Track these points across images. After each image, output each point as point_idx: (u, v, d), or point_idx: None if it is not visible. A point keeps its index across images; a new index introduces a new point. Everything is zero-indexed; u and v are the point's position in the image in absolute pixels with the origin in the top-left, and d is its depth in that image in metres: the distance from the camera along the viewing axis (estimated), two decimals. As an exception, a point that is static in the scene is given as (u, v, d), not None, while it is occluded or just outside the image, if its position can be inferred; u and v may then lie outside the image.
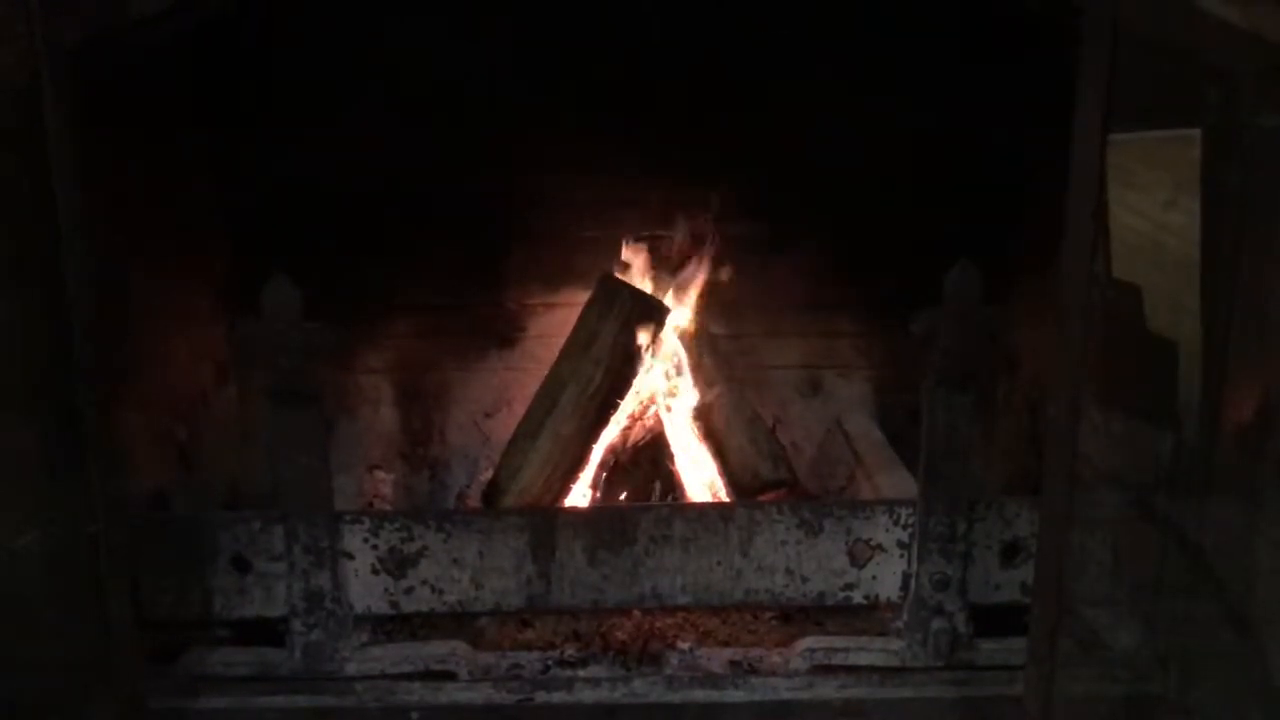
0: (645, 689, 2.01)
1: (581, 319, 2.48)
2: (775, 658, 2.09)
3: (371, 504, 2.51)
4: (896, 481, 2.37)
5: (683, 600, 2.05)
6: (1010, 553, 2.02)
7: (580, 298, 2.55)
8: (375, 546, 1.99)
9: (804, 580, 2.04)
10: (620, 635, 2.14)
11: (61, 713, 1.78)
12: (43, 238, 1.62)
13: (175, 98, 2.43)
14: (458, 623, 2.14)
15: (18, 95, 1.60)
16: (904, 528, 2.01)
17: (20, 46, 1.58)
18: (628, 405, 2.48)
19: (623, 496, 2.47)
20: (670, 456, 2.48)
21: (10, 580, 1.67)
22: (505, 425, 2.62)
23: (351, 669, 2.01)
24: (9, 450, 1.68)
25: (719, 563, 2.02)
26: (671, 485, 2.46)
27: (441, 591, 2.01)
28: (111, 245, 1.74)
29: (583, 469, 2.41)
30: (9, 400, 1.68)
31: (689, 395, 2.50)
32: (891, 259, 2.60)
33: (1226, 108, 1.72)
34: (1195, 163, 1.76)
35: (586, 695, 2.00)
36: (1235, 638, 1.73)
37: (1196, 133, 1.76)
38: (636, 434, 2.49)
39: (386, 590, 2.01)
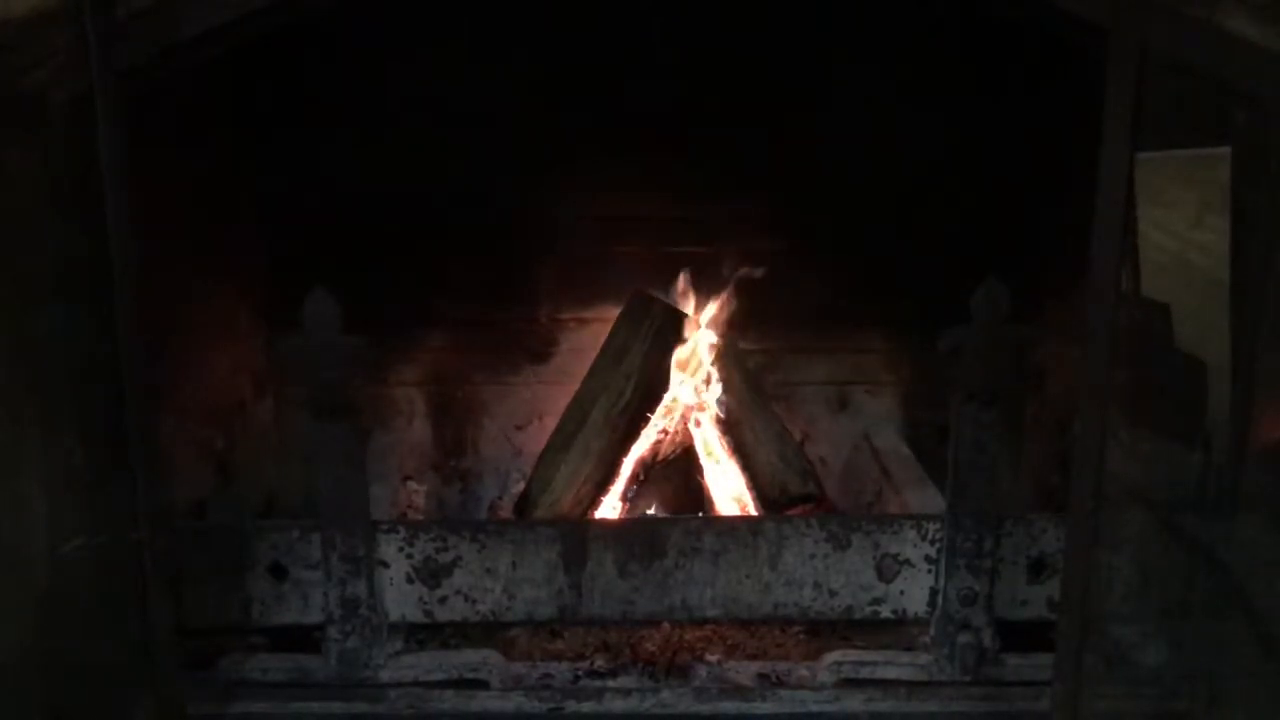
0: (674, 700, 2.03)
1: (612, 334, 2.51)
2: (803, 671, 2.10)
3: (405, 514, 2.54)
4: (924, 497, 2.38)
5: (712, 613, 2.07)
6: (1037, 568, 2.03)
7: (612, 313, 2.59)
8: (410, 556, 2.02)
9: (832, 594, 2.05)
10: (649, 647, 2.15)
11: (102, 717, 1.82)
12: (89, 251, 1.66)
13: (216, 113, 2.49)
14: (489, 632, 2.17)
15: (69, 111, 1.65)
16: (931, 543, 2.02)
17: (73, 64, 1.63)
18: (658, 419, 2.51)
19: (652, 509, 2.49)
20: (699, 470, 2.50)
21: (56, 585, 1.71)
22: (536, 438, 2.65)
23: (385, 676, 2.03)
24: (56, 458, 1.71)
25: (748, 576, 2.04)
26: (701, 499, 2.48)
27: (475, 601, 2.04)
28: (152, 258, 1.77)
29: (613, 482, 2.44)
30: (57, 410, 1.71)
31: (718, 410, 2.52)
32: (921, 275, 2.62)
33: (1255, 128, 1.72)
34: (1225, 181, 1.77)
35: (616, 705, 2.02)
36: (1263, 657, 1.73)
37: (1226, 151, 1.77)
38: (666, 448, 2.52)
39: (421, 599, 2.04)
